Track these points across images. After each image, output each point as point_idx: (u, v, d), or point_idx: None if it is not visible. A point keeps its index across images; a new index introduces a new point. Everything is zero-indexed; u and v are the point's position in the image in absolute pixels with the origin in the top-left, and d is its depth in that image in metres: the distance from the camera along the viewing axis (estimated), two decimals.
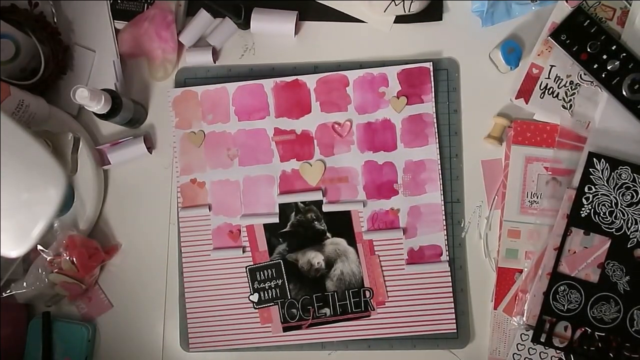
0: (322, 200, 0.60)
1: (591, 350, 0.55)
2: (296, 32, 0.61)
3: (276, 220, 0.60)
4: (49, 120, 0.59)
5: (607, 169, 0.56)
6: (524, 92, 0.59)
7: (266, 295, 0.60)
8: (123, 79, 0.62)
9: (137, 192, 0.62)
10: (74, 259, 0.56)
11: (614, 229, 0.56)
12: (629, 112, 0.57)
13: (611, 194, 0.56)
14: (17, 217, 0.43)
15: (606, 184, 0.56)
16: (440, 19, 0.61)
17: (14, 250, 0.43)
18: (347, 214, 0.60)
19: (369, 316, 0.59)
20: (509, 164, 0.58)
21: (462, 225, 0.59)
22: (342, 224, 0.60)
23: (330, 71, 0.60)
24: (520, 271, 0.58)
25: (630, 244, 0.55)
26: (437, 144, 0.59)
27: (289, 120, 0.60)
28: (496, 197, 0.60)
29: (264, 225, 0.60)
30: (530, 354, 0.57)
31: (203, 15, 0.62)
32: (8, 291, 0.57)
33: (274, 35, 0.62)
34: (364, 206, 0.59)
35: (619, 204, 0.56)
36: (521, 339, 0.57)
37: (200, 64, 0.62)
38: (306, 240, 0.60)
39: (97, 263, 0.59)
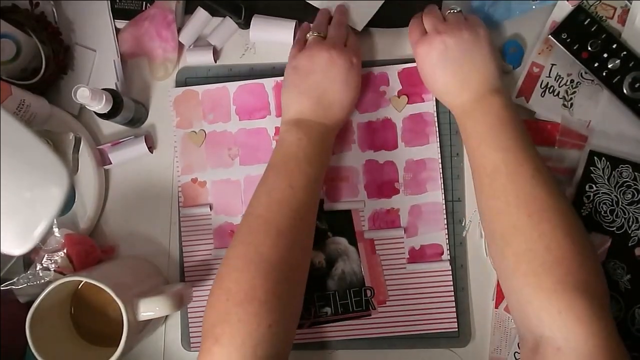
0: (323, 200, 0.60)
1: None
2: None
3: None
4: (50, 120, 0.60)
5: (607, 167, 0.56)
6: (525, 91, 0.59)
7: None
8: (124, 78, 0.62)
9: (138, 192, 0.62)
10: (72, 257, 0.56)
11: (614, 228, 0.56)
12: (630, 110, 0.57)
13: (612, 193, 0.56)
14: (20, 215, 0.43)
15: (607, 183, 0.56)
16: None
17: (16, 248, 0.43)
18: (347, 213, 0.60)
19: (369, 315, 0.59)
20: None
21: (463, 224, 0.59)
22: (342, 223, 0.60)
23: None
24: None
25: (631, 242, 0.55)
26: (438, 143, 0.59)
27: None
28: None
29: None
30: None
31: (201, 14, 0.62)
32: (6, 289, 0.57)
33: (273, 43, 0.62)
34: (364, 205, 0.59)
35: (620, 203, 0.56)
36: None
37: (201, 63, 0.62)
38: None
39: (94, 262, 0.59)
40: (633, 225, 0.56)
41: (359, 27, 0.60)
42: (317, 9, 0.61)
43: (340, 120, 0.55)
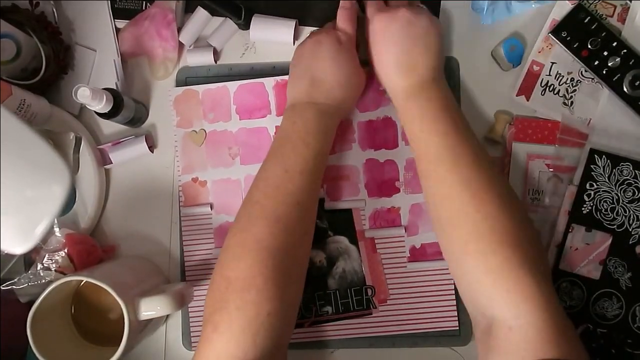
0: (323, 199, 0.60)
1: (593, 347, 0.55)
2: (295, 39, 0.61)
3: None
4: (51, 120, 0.60)
5: (608, 165, 0.56)
6: (525, 89, 0.59)
7: None
8: (124, 78, 0.62)
9: (138, 191, 0.62)
10: (73, 256, 0.56)
11: (615, 226, 0.56)
12: (630, 108, 0.57)
13: (612, 191, 0.56)
14: (21, 214, 0.43)
15: (607, 181, 0.56)
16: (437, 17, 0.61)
17: (18, 247, 0.43)
18: (348, 212, 0.60)
19: (370, 314, 0.59)
20: (510, 161, 0.58)
21: None
22: (343, 222, 0.60)
23: None
24: None
25: (632, 240, 0.56)
26: None
27: None
28: None
29: None
30: None
31: (201, 14, 0.62)
32: (7, 289, 0.57)
33: (273, 42, 0.62)
34: (365, 204, 0.59)
35: (621, 201, 0.56)
36: None
37: (201, 64, 0.62)
38: None
39: (95, 261, 0.59)
40: (634, 223, 0.56)
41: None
42: (316, 9, 0.61)
43: (343, 99, 0.54)
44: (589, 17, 0.58)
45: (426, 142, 0.51)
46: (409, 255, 0.59)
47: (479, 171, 0.48)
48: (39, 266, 0.56)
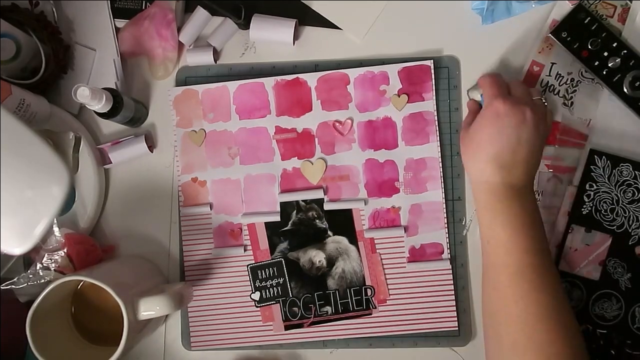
0: (323, 199, 0.60)
1: (592, 348, 0.55)
2: (295, 39, 0.61)
3: (277, 218, 0.60)
4: (50, 120, 0.60)
5: (608, 166, 0.56)
6: None
7: (268, 293, 0.60)
8: (124, 77, 0.62)
9: (138, 191, 0.62)
10: (72, 256, 0.56)
11: (615, 227, 0.56)
12: (630, 109, 0.57)
13: (612, 191, 0.56)
14: (20, 214, 0.43)
15: (607, 182, 0.56)
16: None
17: (17, 247, 0.43)
18: (348, 212, 0.60)
19: (370, 314, 0.59)
20: None
21: (463, 223, 0.59)
22: (343, 222, 0.60)
23: (330, 69, 0.60)
24: None
25: (632, 241, 0.56)
26: (439, 142, 0.59)
27: (290, 118, 0.60)
28: None
29: (265, 223, 0.60)
30: None
31: (201, 13, 0.62)
32: (6, 288, 0.57)
33: (273, 42, 0.62)
34: (365, 204, 0.59)
35: (620, 201, 0.56)
36: None
37: (201, 64, 0.62)
38: (307, 238, 0.60)
39: (94, 261, 0.59)
40: (633, 224, 0.56)
41: (360, 37, 0.61)
42: (319, 15, 0.61)
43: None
44: (589, 18, 0.58)
45: (508, 254, 0.48)
46: (408, 255, 0.59)
47: (556, 298, 0.47)
48: (38, 266, 0.56)
